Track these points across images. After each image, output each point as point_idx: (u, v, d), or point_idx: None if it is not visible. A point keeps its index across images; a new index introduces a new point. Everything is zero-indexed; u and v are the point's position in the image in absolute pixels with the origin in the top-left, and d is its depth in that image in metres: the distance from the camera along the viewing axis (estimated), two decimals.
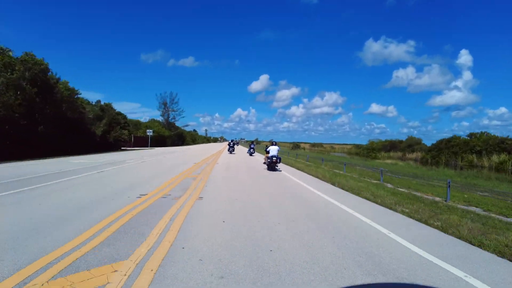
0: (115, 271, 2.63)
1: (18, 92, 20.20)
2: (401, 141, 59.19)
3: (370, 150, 55.48)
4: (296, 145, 73.07)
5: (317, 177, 11.13)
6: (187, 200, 5.87)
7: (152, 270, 2.67)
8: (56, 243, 3.32)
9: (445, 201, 7.98)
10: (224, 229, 4.09)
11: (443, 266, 3.06)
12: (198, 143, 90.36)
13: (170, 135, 60.60)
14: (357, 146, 66.70)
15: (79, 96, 33.36)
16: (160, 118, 66.16)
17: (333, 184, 9.47)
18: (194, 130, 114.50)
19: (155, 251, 3.14)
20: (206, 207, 5.40)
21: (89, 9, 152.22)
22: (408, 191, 9.38)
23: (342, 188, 8.74)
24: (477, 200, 8.26)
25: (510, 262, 3.28)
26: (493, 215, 5.95)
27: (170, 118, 67.28)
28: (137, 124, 55.80)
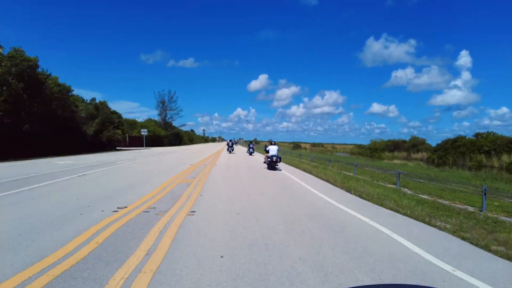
0: None
1: (4, 88, 18.96)
2: (404, 141, 57.92)
3: (373, 150, 54.38)
4: (297, 145, 71.84)
5: (328, 181, 9.90)
6: (175, 217, 4.62)
7: None
8: None
9: (481, 211, 6.79)
10: (221, 269, 2.84)
11: None
12: (195, 143, 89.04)
13: (167, 135, 59.29)
14: (360, 146, 65.46)
15: (72, 93, 32.19)
16: (157, 118, 64.93)
17: (349, 191, 8.24)
18: (192, 130, 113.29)
19: None
20: (198, 228, 4.16)
21: (89, 9, 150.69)
22: (432, 198, 8.22)
23: (360, 196, 7.52)
24: None
25: None
26: None
27: (167, 118, 65.97)
28: (132, 123, 54.43)
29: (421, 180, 10.52)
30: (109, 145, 33.82)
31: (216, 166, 14.05)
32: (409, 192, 9.52)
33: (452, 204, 7.52)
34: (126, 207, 5.20)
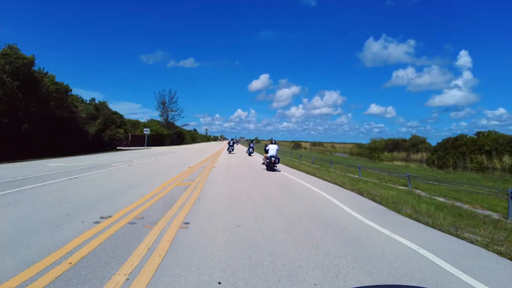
0: None
1: None
2: (404, 140, 57.17)
3: (373, 150, 53.60)
4: (297, 144, 71.19)
5: (335, 183, 9.29)
6: (165, 230, 4.00)
7: None
8: None
9: (506, 218, 6.22)
10: None
11: None
12: (198, 142, 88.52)
13: (169, 134, 58.70)
14: (359, 146, 64.68)
15: (72, 93, 31.56)
16: (159, 118, 64.32)
17: (361, 193, 7.64)
18: (194, 130, 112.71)
19: None
20: (193, 245, 3.56)
21: (89, 9, 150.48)
22: (450, 202, 7.67)
23: (373, 200, 6.93)
24: None
25: None
26: None
27: (169, 118, 65.35)
28: (135, 123, 53.97)
29: (435, 183, 9.91)
30: (109, 145, 33.21)
31: (215, 168, 13.44)
32: (423, 194, 8.97)
33: (473, 209, 6.96)
34: (110, 216, 4.58)
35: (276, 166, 13.23)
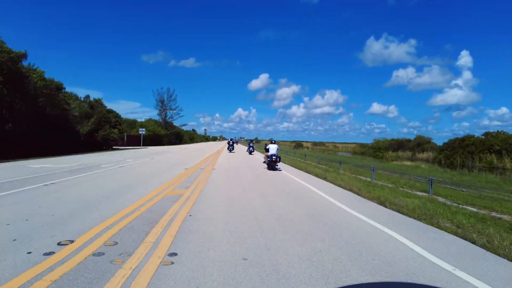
0: None
1: None
2: (409, 140, 56.21)
3: (377, 150, 52.80)
4: (298, 144, 70.05)
5: (351, 190, 8.13)
6: (141, 269, 2.83)
7: None
8: None
9: None
10: None
11: None
12: (196, 142, 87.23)
13: (167, 134, 57.52)
14: (362, 145, 63.68)
15: (65, 91, 30.36)
16: (157, 117, 63.17)
17: (382, 203, 6.49)
18: (193, 130, 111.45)
19: None
20: None
21: (89, 9, 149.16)
22: (484, 212, 6.56)
23: (399, 211, 5.78)
24: None
25: None
26: None
27: (167, 117, 64.19)
28: (132, 123, 52.83)
29: (463, 189, 8.75)
30: (105, 145, 32.05)
31: (215, 170, 12.28)
32: (448, 202, 7.85)
33: None
34: (73, 241, 3.42)
35: (277, 165, 13.45)
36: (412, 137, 56.14)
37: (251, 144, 26.55)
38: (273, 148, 13.00)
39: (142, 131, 40.48)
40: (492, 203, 7.93)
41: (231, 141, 29.18)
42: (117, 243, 3.42)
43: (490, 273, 3.00)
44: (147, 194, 6.37)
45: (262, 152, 24.09)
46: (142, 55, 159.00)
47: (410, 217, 5.43)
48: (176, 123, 67.30)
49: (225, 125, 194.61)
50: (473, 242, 4.02)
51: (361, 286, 0.75)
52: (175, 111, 64.61)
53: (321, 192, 7.67)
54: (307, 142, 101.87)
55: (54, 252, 3.09)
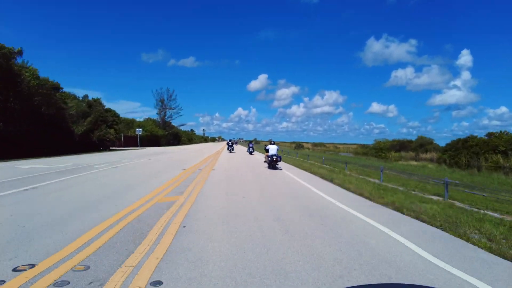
0: None
1: None
2: (410, 141, 55.57)
3: (379, 150, 52.14)
4: (299, 145, 69.36)
5: (361, 194, 7.44)
6: None
7: None
8: None
9: None
10: None
11: None
12: (195, 142, 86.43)
13: (164, 135, 56.80)
14: (364, 146, 62.97)
15: (63, 91, 29.68)
16: (156, 117, 62.54)
17: (399, 210, 5.80)
18: (192, 130, 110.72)
19: None
20: None
21: (89, 9, 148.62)
22: (510, 219, 5.86)
23: (418, 218, 5.11)
24: None
25: None
26: None
27: (167, 117, 63.59)
28: (130, 123, 52.14)
29: (485, 194, 8.05)
30: (101, 145, 31.33)
31: (214, 171, 11.59)
32: (467, 207, 7.19)
33: None
34: (33, 266, 2.72)
35: (277, 164, 13.77)
36: (411, 137, 55.77)
37: (250, 145, 27.08)
38: (273, 149, 13.35)
39: (138, 132, 39.63)
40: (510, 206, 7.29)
41: (230, 142, 29.64)
42: (89, 267, 2.72)
43: None
44: (135, 202, 5.69)
45: (262, 153, 24.17)
46: (142, 55, 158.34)
47: (432, 225, 4.74)
48: (175, 122, 66.89)
49: (224, 125, 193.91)
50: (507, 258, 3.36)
51: (361, 287, 0.74)
52: (174, 110, 64.10)
53: (331, 198, 6.97)
54: (307, 143, 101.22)
55: (4, 282, 2.41)
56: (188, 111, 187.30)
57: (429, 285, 2.63)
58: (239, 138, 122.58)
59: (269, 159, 13.09)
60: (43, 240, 3.43)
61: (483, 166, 31.33)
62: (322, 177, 10.65)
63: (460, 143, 40.66)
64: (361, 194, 7.42)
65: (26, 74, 19.54)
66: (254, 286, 2.47)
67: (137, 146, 39.37)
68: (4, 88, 18.09)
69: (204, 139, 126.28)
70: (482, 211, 6.72)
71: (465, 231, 4.53)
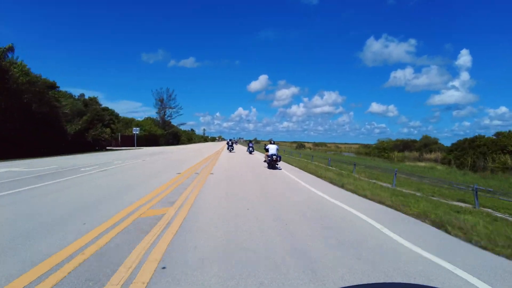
0: None
1: None
2: (414, 141, 54.55)
3: (382, 150, 51.23)
4: (300, 145, 68.36)
5: (382, 202, 6.36)
6: None
7: None
8: None
9: None
10: None
11: None
12: (194, 142, 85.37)
13: (163, 134, 55.75)
14: (366, 146, 61.97)
15: (59, 90, 28.65)
16: (156, 116, 61.62)
17: (441, 226, 4.75)
18: (192, 130, 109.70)
19: None
20: None
21: (89, 9, 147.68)
22: None
23: (469, 241, 4.04)
24: None
25: None
26: None
27: (166, 116, 62.68)
28: (129, 122, 51.11)
29: None
30: (96, 145, 30.25)
31: (212, 175, 10.53)
32: (499, 215, 6.23)
33: None
34: None
35: (277, 164, 13.84)
36: (413, 137, 54.96)
37: (250, 145, 27.16)
38: (272, 148, 13.42)
39: (135, 131, 38.34)
40: None
41: (230, 142, 29.78)
42: None
43: None
44: (110, 219, 4.62)
45: (262, 152, 24.05)
46: (142, 55, 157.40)
47: (495, 253, 3.63)
48: (175, 122, 65.94)
49: (225, 124, 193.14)
50: None
51: (361, 286, 0.74)
52: (174, 110, 63.22)
53: (352, 208, 5.91)
54: (308, 142, 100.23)
55: None
56: (188, 111, 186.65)
57: None
58: (239, 138, 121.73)
59: (269, 158, 13.20)
60: (14, 257, 2.37)
61: (489, 167, 30.33)
62: (331, 181, 9.57)
63: (467, 143, 39.67)
64: (380, 202, 6.37)
65: (15, 70, 18.47)
66: None
67: (134, 146, 38.30)
68: None
69: (204, 139, 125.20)
70: None
71: None
